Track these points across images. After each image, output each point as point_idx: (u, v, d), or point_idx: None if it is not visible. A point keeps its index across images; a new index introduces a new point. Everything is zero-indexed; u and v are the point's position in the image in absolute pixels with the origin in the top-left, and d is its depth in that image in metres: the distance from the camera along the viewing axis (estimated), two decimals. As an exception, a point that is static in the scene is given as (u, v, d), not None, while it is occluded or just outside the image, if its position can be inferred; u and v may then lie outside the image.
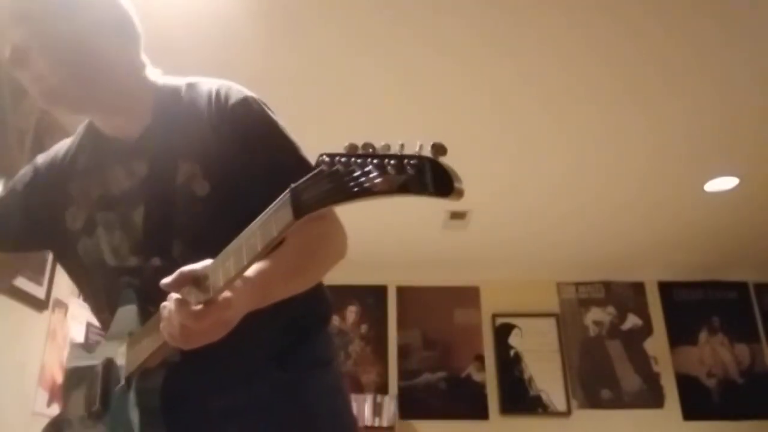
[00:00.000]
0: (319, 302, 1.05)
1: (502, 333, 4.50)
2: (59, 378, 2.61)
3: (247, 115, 0.97)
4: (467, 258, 4.32)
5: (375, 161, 0.55)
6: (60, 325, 2.62)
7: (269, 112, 0.99)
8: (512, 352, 4.45)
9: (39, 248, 1.15)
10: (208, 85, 1.01)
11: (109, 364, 0.95)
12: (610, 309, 4.60)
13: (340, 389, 1.06)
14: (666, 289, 4.63)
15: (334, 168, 0.58)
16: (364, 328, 4.52)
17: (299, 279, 0.89)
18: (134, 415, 0.88)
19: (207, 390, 0.94)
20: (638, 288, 4.65)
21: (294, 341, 1.00)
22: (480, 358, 4.42)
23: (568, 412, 4.27)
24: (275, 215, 0.66)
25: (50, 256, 2.56)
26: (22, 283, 2.35)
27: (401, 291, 4.60)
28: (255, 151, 0.94)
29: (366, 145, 0.57)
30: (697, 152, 3.04)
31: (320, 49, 2.33)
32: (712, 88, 2.56)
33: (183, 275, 0.75)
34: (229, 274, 0.72)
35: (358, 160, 0.56)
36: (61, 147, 1.11)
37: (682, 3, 2.12)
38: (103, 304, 1.01)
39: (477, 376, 4.37)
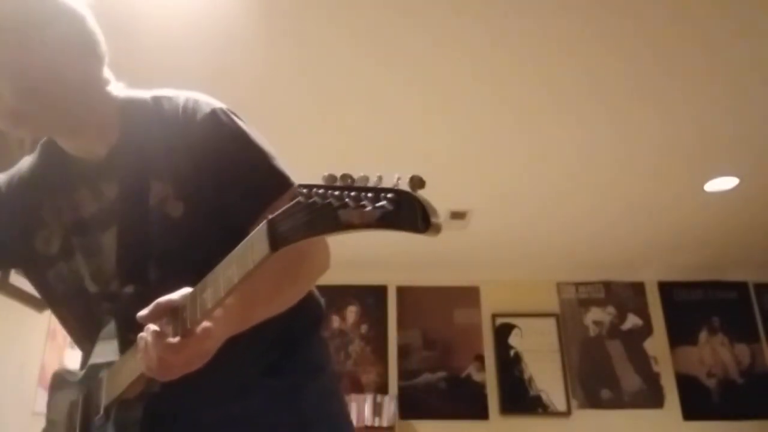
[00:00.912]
0: (310, 307, 1.03)
1: (502, 333, 4.50)
2: (59, 378, 2.61)
3: (216, 129, 0.93)
4: (467, 258, 4.32)
5: (352, 194, 0.54)
6: (60, 325, 2.62)
7: (239, 123, 0.96)
8: (512, 352, 4.45)
9: (11, 267, 1.13)
10: (175, 99, 0.97)
11: (89, 395, 0.93)
12: (610, 309, 4.60)
13: (335, 393, 1.05)
14: (666, 289, 4.63)
15: (311, 200, 0.56)
16: (364, 328, 4.52)
17: (280, 299, 0.87)
18: None
19: (199, 405, 0.92)
20: (638, 288, 4.65)
21: (286, 349, 0.98)
22: (480, 358, 4.42)
23: (568, 412, 4.27)
24: (252, 248, 0.64)
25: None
26: (22, 283, 2.35)
27: (401, 291, 4.60)
28: (227, 168, 0.91)
29: (344, 176, 0.56)
30: (697, 152, 3.04)
31: (320, 50, 2.33)
32: (712, 88, 2.56)
33: (159, 306, 0.74)
34: (206, 307, 0.70)
35: (336, 193, 0.55)
36: (23, 165, 1.07)
37: (688, 3, 2.12)
38: (84, 333, 0.99)
39: (477, 376, 4.38)
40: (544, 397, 4.32)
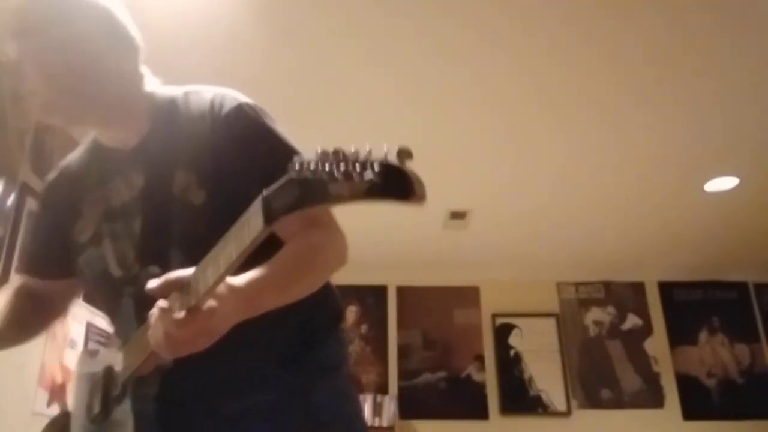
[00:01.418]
0: (329, 305, 1.05)
1: (502, 333, 4.50)
2: (59, 378, 2.61)
3: (241, 121, 0.97)
4: (467, 258, 4.32)
5: (342, 168, 0.56)
6: (60, 325, 2.62)
7: (264, 118, 0.99)
8: (512, 352, 4.45)
9: (60, 277, 1.13)
10: (204, 93, 1.01)
11: (109, 372, 0.96)
12: (610, 309, 4.60)
13: (350, 394, 1.06)
14: (666, 289, 4.63)
15: (303, 175, 0.59)
16: (364, 328, 4.52)
17: (293, 289, 0.88)
18: (130, 422, 0.89)
19: (215, 394, 0.94)
20: (638, 288, 4.64)
21: (303, 345, 1.00)
22: (480, 358, 4.42)
23: (568, 412, 4.27)
24: (248, 224, 0.66)
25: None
26: (22, 283, 2.36)
27: (401, 291, 4.60)
28: (249, 158, 0.93)
29: (336, 152, 0.58)
30: (697, 152, 3.04)
31: (320, 50, 2.33)
32: (712, 88, 2.56)
33: (168, 281, 0.75)
34: (208, 283, 0.72)
35: (326, 168, 0.57)
36: (66, 162, 1.15)
37: (682, 3, 2.12)
38: (111, 314, 1.03)
39: (477, 376, 4.37)
40: (544, 397, 4.31)
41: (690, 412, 4.25)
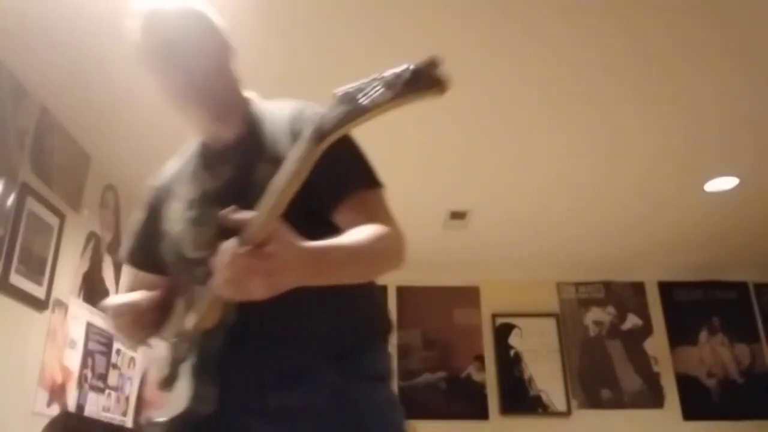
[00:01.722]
0: (380, 316, 1.14)
1: (502, 333, 4.50)
2: (59, 378, 2.60)
3: (304, 122, 1.07)
4: (467, 258, 4.32)
5: (376, 84, 0.66)
6: (60, 325, 2.62)
7: None
8: (512, 352, 4.45)
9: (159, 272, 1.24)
10: (293, 102, 1.17)
11: (180, 329, 1.06)
12: (610, 309, 4.60)
13: (396, 405, 1.10)
14: (666, 289, 4.63)
15: (346, 92, 0.67)
16: (364, 328, 4.52)
17: (354, 267, 0.93)
18: (186, 374, 0.99)
19: (266, 385, 1.00)
20: (638, 288, 4.64)
21: (355, 349, 1.05)
22: (480, 358, 4.42)
23: (568, 412, 4.27)
24: (299, 149, 0.74)
25: (50, 256, 2.56)
26: (22, 283, 2.35)
27: (401, 291, 4.60)
28: (329, 158, 0.97)
29: (372, 77, 0.67)
30: (697, 152, 3.04)
31: (320, 52, 2.33)
32: (712, 88, 2.56)
33: (236, 213, 0.80)
34: (261, 218, 0.78)
35: (365, 82, 0.66)
36: (169, 165, 1.31)
37: (682, 4, 2.12)
38: (185, 292, 1.12)
39: (477, 376, 4.37)
40: (544, 397, 4.31)
41: (690, 412, 4.25)
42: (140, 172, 3.20)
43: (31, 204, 2.44)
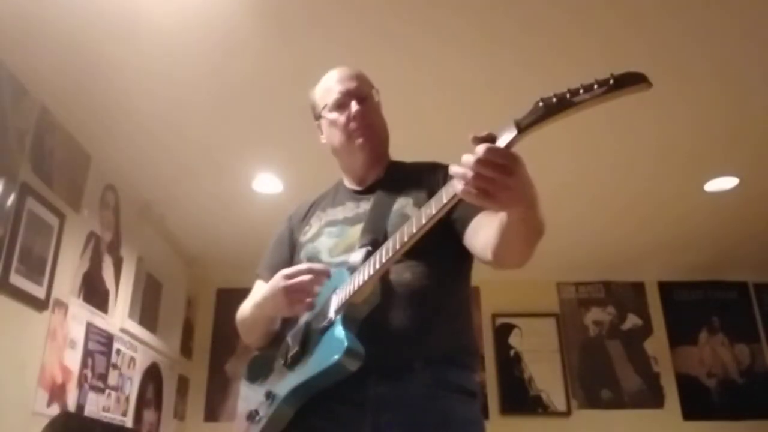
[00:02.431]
0: (473, 338, 1.28)
1: (502, 333, 4.50)
2: (59, 378, 2.60)
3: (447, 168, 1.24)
4: (467, 258, 4.31)
5: (581, 88, 0.78)
6: (60, 325, 2.62)
7: None
8: (512, 352, 4.45)
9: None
10: (426, 161, 1.39)
11: (309, 321, 1.20)
12: (610, 309, 4.60)
13: (482, 425, 1.21)
14: (666, 289, 4.63)
15: (549, 99, 0.81)
16: (364, 328, 4.52)
17: (539, 221, 1.02)
18: (339, 332, 1.10)
19: (370, 374, 1.09)
20: (638, 288, 4.64)
21: (452, 364, 1.18)
22: (480, 358, 4.42)
23: (568, 412, 4.27)
24: (502, 133, 0.92)
25: (50, 256, 2.56)
26: (22, 283, 2.35)
27: (401, 291, 4.60)
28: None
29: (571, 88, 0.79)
30: (697, 152, 3.04)
31: (319, 53, 2.33)
32: (712, 88, 2.56)
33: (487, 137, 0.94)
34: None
35: (570, 90, 0.78)
36: (308, 199, 1.51)
37: (686, 3, 2.12)
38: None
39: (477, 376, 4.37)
40: (544, 397, 4.32)
41: (690, 412, 4.25)
42: (140, 172, 3.23)
43: (31, 204, 2.44)
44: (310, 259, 1.31)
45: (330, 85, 1.43)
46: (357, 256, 1.19)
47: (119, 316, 3.22)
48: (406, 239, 1.02)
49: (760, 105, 2.68)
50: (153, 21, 2.18)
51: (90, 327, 2.89)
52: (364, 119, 1.36)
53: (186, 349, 4.27)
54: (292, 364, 1.19)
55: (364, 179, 1.40)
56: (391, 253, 1.05)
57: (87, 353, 2.85)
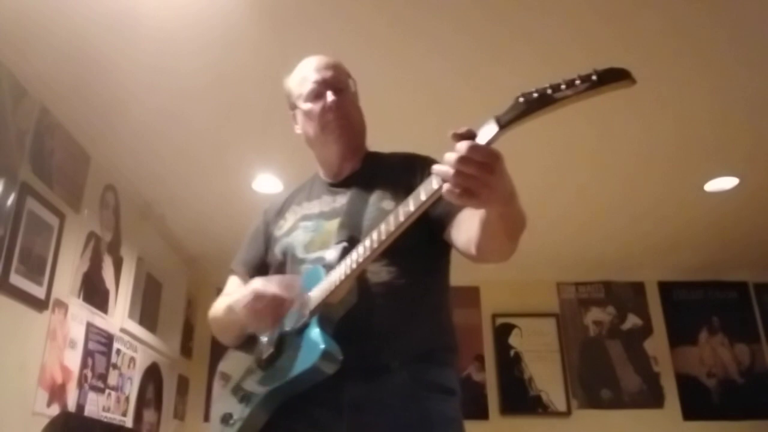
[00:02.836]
0: (452, 336, 1.26)
1: (502, 333, 4.50)
2: (59, 378, 2.60)
3: (429, 160, 1.25)
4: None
5: (563, 84, 0.74)
6: (60, 325, 2.62)
7: None
8: (512, 352, 4.45)
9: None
10: (403, 151, 1.37)
11: (284, 321, 1.17)
12: (610, 309, 4.60)
13: (461, 422, 1.17)
14: (666, 289, 4.63)
15: (530, 95, 0.77)
16: (364, 328, 4.52)
17: (518, 213, 1.05)
18: (314, 334, 1.07)
19: (346, 376, 1.06)
20: (638, 288, 4.64)
21: (430, 362, 1.16)
22: (480, 358, 4.41)
23: (568, 412, 4.27)
24: (482, 129, 0.87)
25: (50, 256, 2.56)
26: (22, 283, 2.35)
27: (401, 291, 4.60)
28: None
29: (552, 83, 0.76)
30: (697, 152, 3.04)
31: (319, 51, 2.32)
32: (712, 88, 2.56)
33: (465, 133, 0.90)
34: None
35: (548, 86, 0.75)
36: (284, 193, 1.48)
37: (682, 2, 2.12)
38: None
39: (477, 376, 4.37)
40: (544, 397, 4.31)
41: (690, 412, 4.25)
42: (140, 172, 3.23)
43: (31, 204, 2.44)
44: (284, 255, 1.29)
45: (305, 74, 1.39)
46: (333, 253, 1.17)
47: (119, 316, 3.22)
48: (383, 238, 1.00)
49: (761, 105, 2.67)
50: (153, 22, 2.18)
51: (90, 327, 2.89)
52: (339, 110, 1.31)
53: (186, 349, 4.27)
54: (267, 365, 1.16)
55: (341, 171, 1.37)
56: (368, 253, 1.03)
57: (87, 353, 2.85)
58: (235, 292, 1.29)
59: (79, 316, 2.79)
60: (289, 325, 1.15)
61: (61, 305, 2.64)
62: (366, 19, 2.21)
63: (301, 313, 1.13)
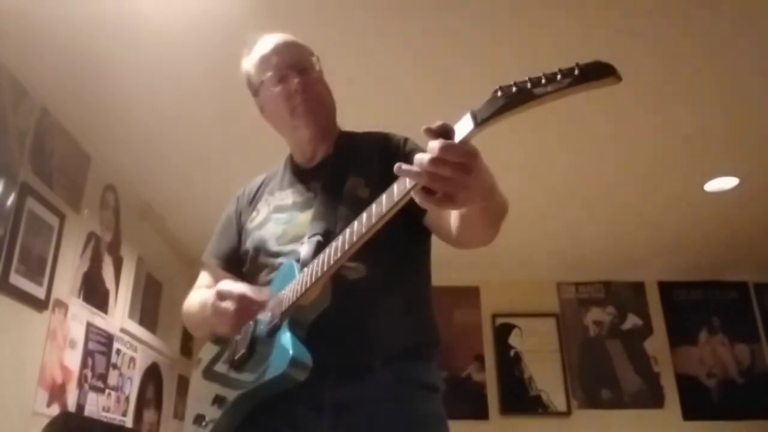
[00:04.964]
0: (434, 330, 1.22)
1: (502, 333, 4.50)
2: (59, 378, 2.60)
3: (404, 141, 1.26)
4: (467, 258, 4.30)
5: (544, 78, 0.69)
6: (60, 325, 2.62)
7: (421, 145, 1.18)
8: (512, 352, 4.45)
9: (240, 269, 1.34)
10: (380, 131, 1.33)
11: (257, 320, 1.13)
12: (610, 309, 4.60)
13: (444, 419, 1.15)
14: (666, 289, 4.63)
15: (509, 88, 0.72)
16: (364, 328, 4.52)
17: (497, 203, 0.98)
18: (285, 339, 1.03)
19: (327, 376, 1.04)
20: (638, 288, 4.64)
21: (412, 358, 1.13)
22: (480, 358, 4.42)
23: (568, 412, 4.27)
24: (461, 125, 0.81)
25: (50, 256, 2.56)
26: (22, 283, 2.35)
27: (401, 291, 4.60)
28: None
29: (533, 76, 0.70)
30: (697, 152, 3.04)
31: (319, 52, 2.32)
32: (712, 88, 2.56)
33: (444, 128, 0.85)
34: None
35: (528, 81, 0.70)
36: (257, 179, 1.43)
37: (685, 2, 2.12)
38: (264, 282, 1.20)
39: (477, 376, 4.37)
40: (544, 397, 4.31)
41: (690, 412, 4.25)
42: (140, 172, 3.23)
43: (31, 204, 2.44)
44: (256, 249, 1.24)
45: (266, 56, 1.31)
46: (306, 248, 1.12)
47: (119, 316, 3.22)
48: (354, 239, 0.94)
49: (761, 105, 2.67)
50: (153, 22, 2.18)
51: (90, 327, 2.89)
52: (306, 92, 1.26)
53: (186, 349, 4.27)
54: (239, 366, 1.13)
55: (313, 156, 1.32)
56: (338, 255, 0.97)
57: (87, 353, 2.85)
58: (208, 287, 1.27)
59: (79, 316, 2.79)
60: (261, 325, 1.11)
61: (61, 305, 2.64)
62: (360, 27, 2.21)
63: (274, 313, 1.09)
